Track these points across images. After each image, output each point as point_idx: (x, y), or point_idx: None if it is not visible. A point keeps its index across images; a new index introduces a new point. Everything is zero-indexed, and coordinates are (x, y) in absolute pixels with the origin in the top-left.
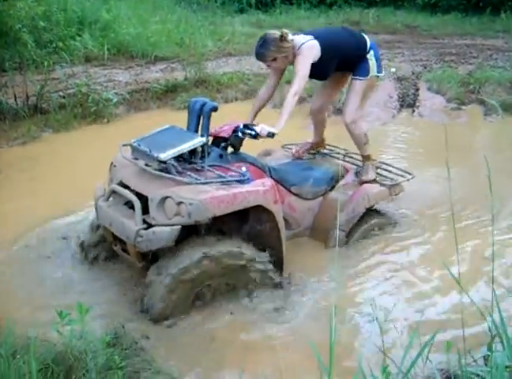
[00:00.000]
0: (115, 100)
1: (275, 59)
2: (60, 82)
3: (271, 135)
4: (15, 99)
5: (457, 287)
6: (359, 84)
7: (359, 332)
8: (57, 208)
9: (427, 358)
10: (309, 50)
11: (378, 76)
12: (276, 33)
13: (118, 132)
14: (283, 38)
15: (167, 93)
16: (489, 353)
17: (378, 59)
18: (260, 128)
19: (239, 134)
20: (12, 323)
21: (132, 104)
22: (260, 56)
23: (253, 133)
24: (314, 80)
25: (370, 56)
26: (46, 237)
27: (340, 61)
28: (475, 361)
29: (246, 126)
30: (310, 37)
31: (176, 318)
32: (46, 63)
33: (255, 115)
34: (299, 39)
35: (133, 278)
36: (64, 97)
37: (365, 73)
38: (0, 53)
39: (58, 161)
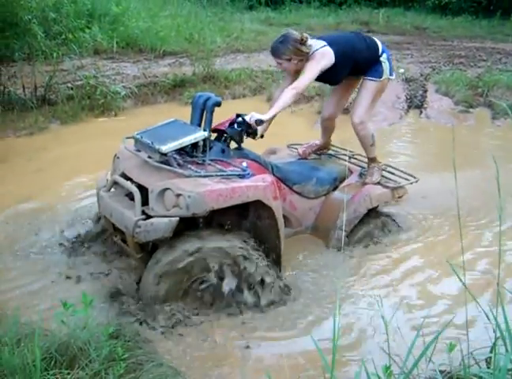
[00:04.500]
0: (123, 93)
1: (289, 59)
2: (68, 74)
3: (259, 122)
4: (23, 90)
5: (462, 288)
6: (371, 84)
7: (362, 331)
8: (60, 199)
9: (430, 359)
10: (321, 56)
11: (389, 79)
12: (298, 34)
13: (125, 125)
14: (303, 41)
15: (175, 88)
16: (492, 355)
17: (390, 61)
18: (250, 115)
19: (235, 126)
20: (16, 311)
21: (140, 98)
22: (276, 52)
23: (241, 120)
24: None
25: (384, 59)
26: (48, 227)
27: (353, 67)
28: (477, 363)
29: (238, 115)
30: (324, 43)
31: (181, 315)
32: (55, 54)
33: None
34: (314, 44)
35: (137, 269)
36: (72, 89)
37: (378, 74)
38: (10, 43)
39: (64, 152)
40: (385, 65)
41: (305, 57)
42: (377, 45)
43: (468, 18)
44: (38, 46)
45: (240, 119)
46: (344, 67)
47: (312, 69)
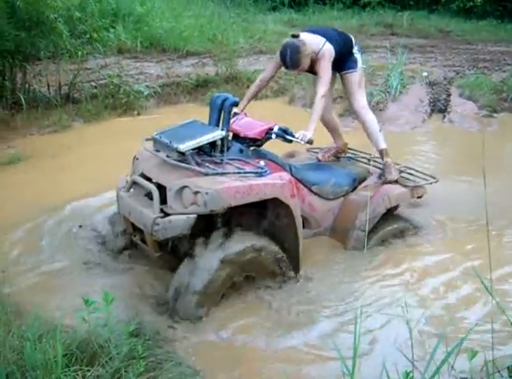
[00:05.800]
0: (146, 93)
1: (303, 63)
2: (92, 72)
3: (311, 142)
4: (48, 88)
5: (487, 296)
6: (353, 75)
7: (383, 336)
8: (80, 196)
9: (453, 366)
10: (329, 53)
11: (363, 67)
12: (295, 40)
13: (148, 124)
14: (302, 42)
15: (198, 88)
16: None
17: (361, 53)
18: (301, 135)
19: (273, 136)
20: (38, 307)
21: (162, 98)
22: (294, 64)
23: (293, 139)
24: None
25: (356, 51)
26: (70, 225)
27: (336, 60)
28: (499, 371)
29: (283, 130)
30: (324, 39)
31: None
32: (79, 53)
33: (248, 102)
34: (314, 41)
35: (159, 268)
36: (96, 87)
37: (354, 66)
38: (35, 42)
39: (87, 151)
40: (358, 56)
41: (309, 51)
42: (350, 38)
43: (493, 22)
44: (63, 45)
45: (290, 137)
46: (334, 60)
47: (326, 70)
